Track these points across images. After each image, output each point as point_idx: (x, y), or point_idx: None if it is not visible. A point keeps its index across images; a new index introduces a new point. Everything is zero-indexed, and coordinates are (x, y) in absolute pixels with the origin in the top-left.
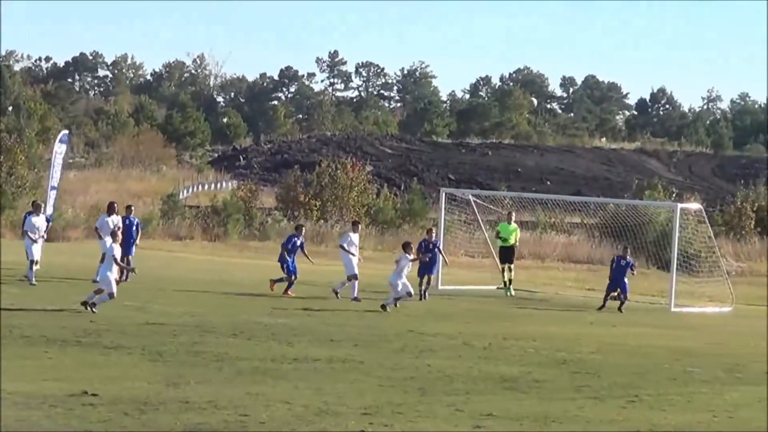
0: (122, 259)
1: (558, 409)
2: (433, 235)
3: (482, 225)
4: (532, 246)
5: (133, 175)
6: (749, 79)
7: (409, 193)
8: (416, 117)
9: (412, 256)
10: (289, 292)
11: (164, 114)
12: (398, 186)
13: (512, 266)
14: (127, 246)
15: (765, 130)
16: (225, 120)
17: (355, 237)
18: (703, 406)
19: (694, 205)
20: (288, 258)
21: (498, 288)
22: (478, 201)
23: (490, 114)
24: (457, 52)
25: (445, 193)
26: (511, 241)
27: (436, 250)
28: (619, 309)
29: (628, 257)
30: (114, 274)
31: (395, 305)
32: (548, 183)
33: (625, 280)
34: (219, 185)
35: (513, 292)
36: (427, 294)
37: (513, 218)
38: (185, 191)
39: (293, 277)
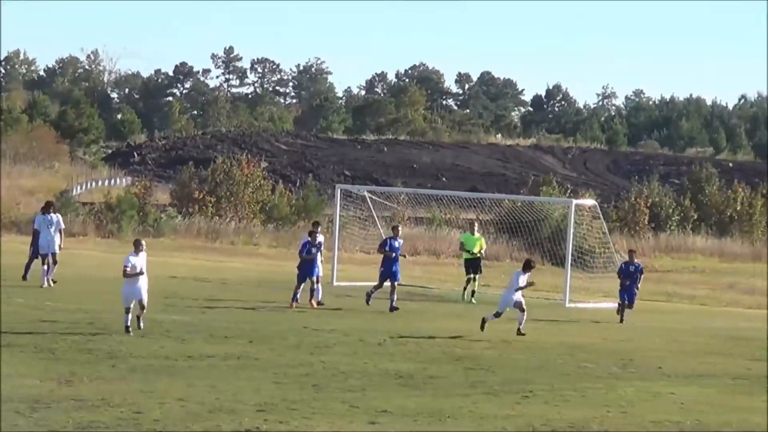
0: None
1: (453, 405)
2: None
3: (377, 221)
4: (427, 242)
5: (26, 171)
6: (643, 76)
7: (304, 189)
8: (312, 113)
9: None
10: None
11: (58, 110)
12: (293, 182)
13: (477, 277)
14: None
15: (659, 127)
16: (119, 116)
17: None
18: (597, 401)
19: (589, 201)
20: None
21: (465, 299)
22: (373, 197)
23: (385, 110)
24: (353, 49)
25: (341, 190)
26: (476, 252)
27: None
28: (621, 318)
29: (635, 261)
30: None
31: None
32: (444, 179)
33: (637, 287)
34: (113, 182)
35: (474, 301)
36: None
37: (476, 228)
38: (79, 188)
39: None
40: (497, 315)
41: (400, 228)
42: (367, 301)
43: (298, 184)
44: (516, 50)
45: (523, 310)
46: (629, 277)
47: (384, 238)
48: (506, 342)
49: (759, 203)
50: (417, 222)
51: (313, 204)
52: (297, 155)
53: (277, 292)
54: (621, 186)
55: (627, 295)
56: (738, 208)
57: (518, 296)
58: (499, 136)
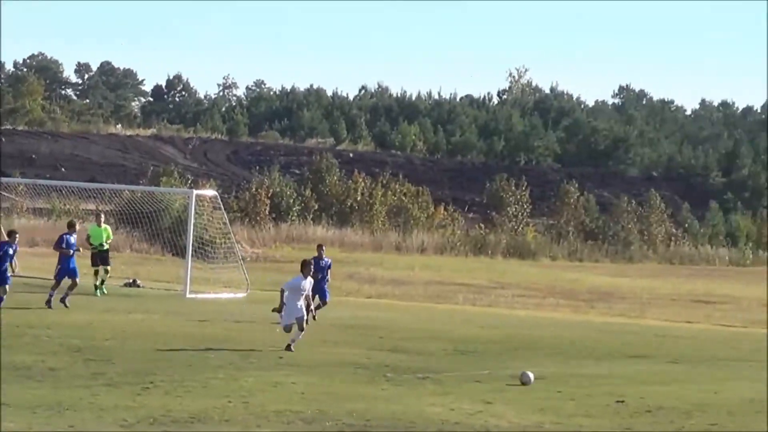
0: None
1: (72, 397)
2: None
3: None
4: (46, 233)
5: None
6: (264, 66)
7: None
8: None
9: None
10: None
11: None
12: None
13: (108, 268)
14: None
15: (280, 117)
16: None
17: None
18: (219, 391)
19: (210, 192)
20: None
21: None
22: None
23: (2, 100)
24: None
25: None
26: (104, 245)
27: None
28: (314, 315)
29: (324, 257)
30: None
31: None
32: (63, 170)
33: (327, 281)
34: None
35: (106, 291)
36: None
37: (102, 220)
38: None
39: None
40: (287, 329)
41: (76, 224)
42: (49, 304)
43: None
44: (135, 40)
45: (302, 328)
46: (320, 271)
47: (60, 234)
48: (126, 333)
49: (379, 193)
50: (36, 213)
51: None
52: None
53: None
54: (242, 176)
55: (319, 293)
56: (358, 198)
57: (302, 306)
58: (119, 126)
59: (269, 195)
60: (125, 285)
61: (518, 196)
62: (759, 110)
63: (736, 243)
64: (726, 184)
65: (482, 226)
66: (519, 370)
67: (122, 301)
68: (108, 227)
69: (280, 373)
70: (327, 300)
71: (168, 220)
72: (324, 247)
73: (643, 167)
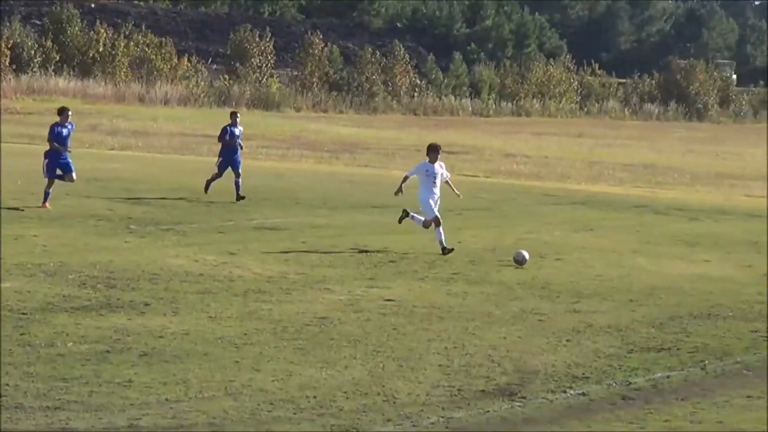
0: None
1: None
2: None
3: None
4: None
5: None
6: None
7: None
8: None
9: None
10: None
11: None
12: None
13: None
14: None
15: None
16: None
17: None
18: None
19: None
20: None
21: None
22: None
23: None
24: None
25: None
26: None
27: None
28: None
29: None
30: None
31: None
32: None
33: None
34: None
35: None
36: None
37: None
38: None
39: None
40: (426, 224)
41: (238, 115)
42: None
43: None
44: None
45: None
46: (234, 138)
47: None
48: None
49: (122, 44)
50: None
51: None
52: None
53: None
54: None
55: (232, 164)
56: (101, 49)
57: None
58: None
59: (9, 46)
60: None
61: (262, 48)
62: None
63: (479, 94)
64: (469, 35)
65: (226, 77)
66: (263, 220)
67: None
68: None
69: (20, 225)
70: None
71: None
72: (239, 115)
73: (388, 19)
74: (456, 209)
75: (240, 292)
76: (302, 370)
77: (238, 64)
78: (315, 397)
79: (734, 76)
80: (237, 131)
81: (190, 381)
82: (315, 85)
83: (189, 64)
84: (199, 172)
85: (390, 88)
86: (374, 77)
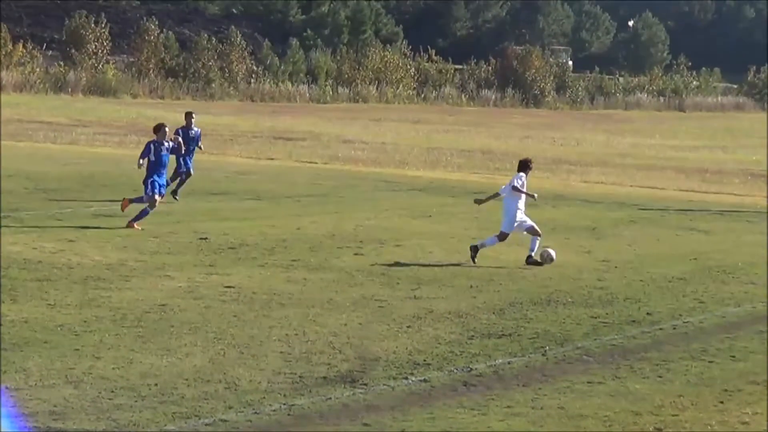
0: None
1: None
2: None
3: None
4: None
5: None
6: None
7: None
8: None
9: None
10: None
11: None
12: None
13: None
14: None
15: None
16: None
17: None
18: None
19: None
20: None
21: None
22: None
23: None
24: None
25: None
26: None
27: None
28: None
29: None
30: None
31: None
32: None
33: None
34: None
35: None
36: None
37: None
38: None
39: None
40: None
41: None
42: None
43: None
44: None
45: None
46: (189, 143)
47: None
48: None
49: None
50: None
51: None
52: None
53: None
54: None
55: (185, 165)
56: None
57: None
58: None
59: None
60: None
61: (98, 33)
62: None
63: (316, 80)
64: (306, 22)
65: (62, 63)
66: (101, 207)
67: None
68: None
69: None
70: (191, 171)
71: None
72: (194, 115)
73: (223, 5)
74: (295, 196)
75: (79, 280)
76: (143, 357)
77: (73, 51)
78: (156, 384)
79: (570, 62)
80: (193, 132)
81: (30, 369)
82: (151, 71)
83: (24, 51)
84: (37, 159)
85: (227, 75)
86: (210, 63)
